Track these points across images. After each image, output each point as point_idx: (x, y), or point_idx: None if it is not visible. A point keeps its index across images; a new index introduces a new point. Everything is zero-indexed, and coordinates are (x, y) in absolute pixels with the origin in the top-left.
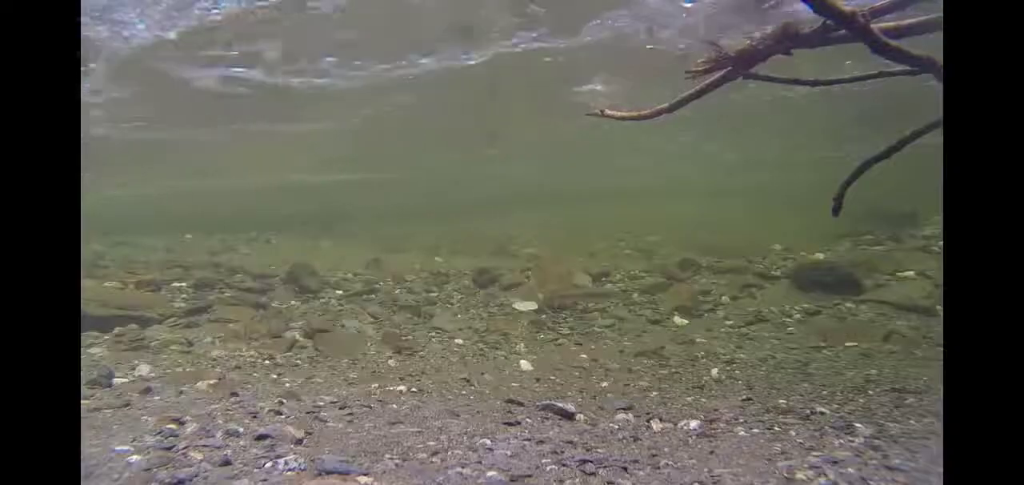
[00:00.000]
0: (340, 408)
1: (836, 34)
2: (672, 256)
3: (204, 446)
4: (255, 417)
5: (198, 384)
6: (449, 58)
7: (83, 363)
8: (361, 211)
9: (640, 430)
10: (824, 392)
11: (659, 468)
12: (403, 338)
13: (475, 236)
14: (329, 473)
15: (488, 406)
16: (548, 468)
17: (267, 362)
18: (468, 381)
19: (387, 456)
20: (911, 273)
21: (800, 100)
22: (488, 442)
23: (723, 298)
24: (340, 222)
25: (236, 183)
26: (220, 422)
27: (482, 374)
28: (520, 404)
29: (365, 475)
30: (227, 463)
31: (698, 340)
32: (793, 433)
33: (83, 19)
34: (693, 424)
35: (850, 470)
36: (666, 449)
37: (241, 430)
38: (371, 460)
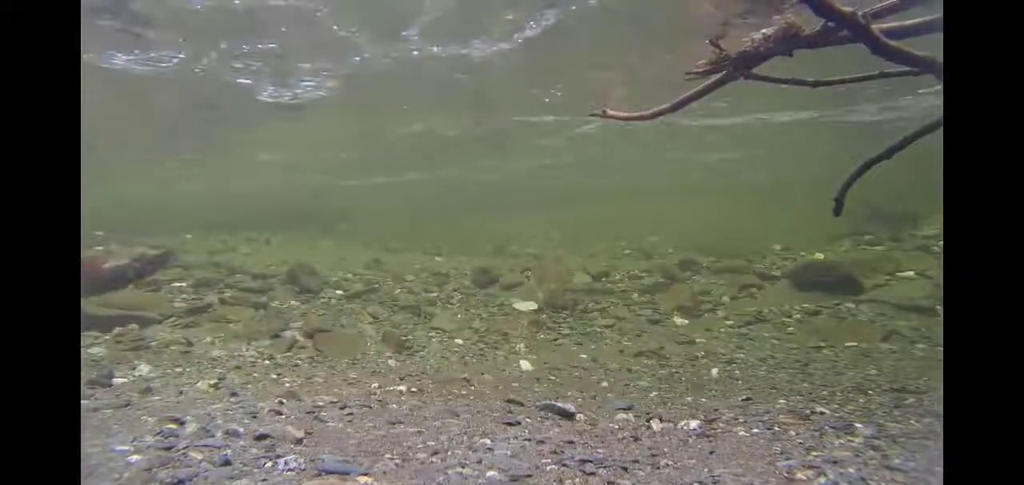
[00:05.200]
0: (340, 408)
1: (837, 35)
2: (672, 256)
3: (204, 446)
4: (255, 417)
5: (198, 384)
6: None
7: (83, 363)
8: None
9: (640, 430)
10: (824, 392)
11: (659, 468)
12: (403, 338)
13: (475, 236)
14: (329, 473)
15: (488, 406)
16: (548, 468)
17: (267, 362)
18: (468, 381)
19: (387, 456)
20: (911, 273)
21: None
22: (488, 442)
23: (723, 298)
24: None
25: None
26: (220, 422)
27: (482, 374)
28: (520, 404)
29: (365, 475)
30: (227, 463)
31: (698, 340)
32: (793, 433)
33: None
34: (693, 424)
35: (850, 470)
36: (666, 449)
37: (241, 430)
38: (371, 460)
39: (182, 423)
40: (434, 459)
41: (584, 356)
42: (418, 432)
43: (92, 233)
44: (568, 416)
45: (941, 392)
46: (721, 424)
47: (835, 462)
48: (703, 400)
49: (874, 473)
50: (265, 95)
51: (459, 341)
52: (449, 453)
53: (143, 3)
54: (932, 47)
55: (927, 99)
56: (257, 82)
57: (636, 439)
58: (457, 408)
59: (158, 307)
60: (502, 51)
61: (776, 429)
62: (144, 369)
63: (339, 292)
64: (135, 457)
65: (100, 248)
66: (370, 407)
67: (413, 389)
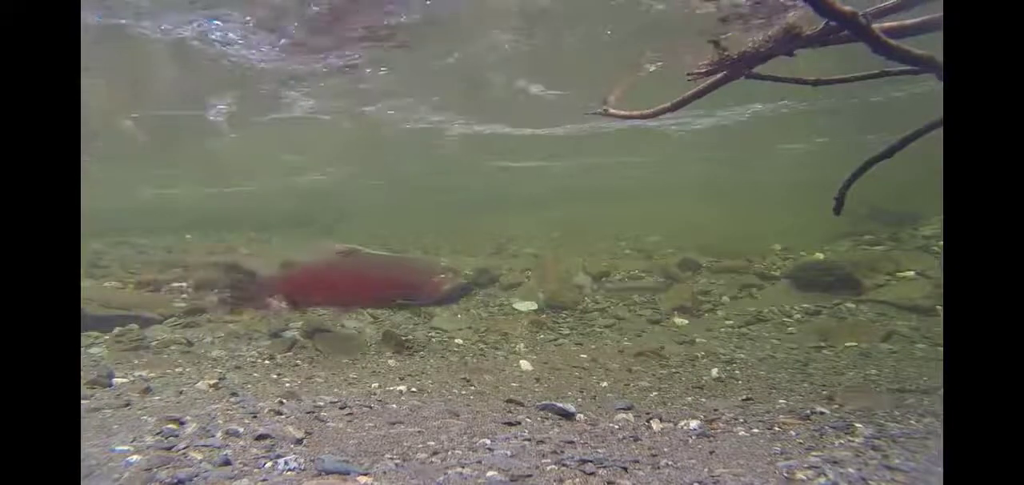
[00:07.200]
0: (340, 408)
1: (837, 35)
2: (672, 256)
3: (204, 446)
4: (255, 417)
5: (198, 384)
6: None
7: (83, 363)
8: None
9: (640, 430)
10: (824, 392)
11: (659, 468)
12: (403, 338)
13: (475, 236)
14: (329, 473)
15: (488, 406)
16: (548, 468)
17: (267, 362)
18: (468, 381)
19: (387, 456)
20: (911, 273)
21: None
22: (488, 442)
23: (723, 298)
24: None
25: None
26: (220, 422)
27: (482, 374)
28: (520, 404)
29: (365, 475)
30: (227, 463)
31: (698, 340)
32: (793, 433)
33: None
34: (693, 424)
35: (850, 470)
36: (666, 449)
37: (241, 430)
38: (371, 460)
39: (182, 423)
40: (434, 459)
41: (584, 356)
42: (418, 432)
43: (434, 258)
44: (568, 416)
45: (941, 392)
46: (721, 424)
47: (835, 462)
48: (703, 400)
49: (874, 473)
50: None
51: (459, 341)
52: (449, 453)
53: None
54: (932, 47)
55: None
56: None
57: (636, 439)
58: (457, 408)
59: (158, 307)
60: None
61: (776, 429)
62: (144, 369)
63: None
64: (135, 457)
65: (442, 275)
66: (370, 407)
67: (413, 389)
